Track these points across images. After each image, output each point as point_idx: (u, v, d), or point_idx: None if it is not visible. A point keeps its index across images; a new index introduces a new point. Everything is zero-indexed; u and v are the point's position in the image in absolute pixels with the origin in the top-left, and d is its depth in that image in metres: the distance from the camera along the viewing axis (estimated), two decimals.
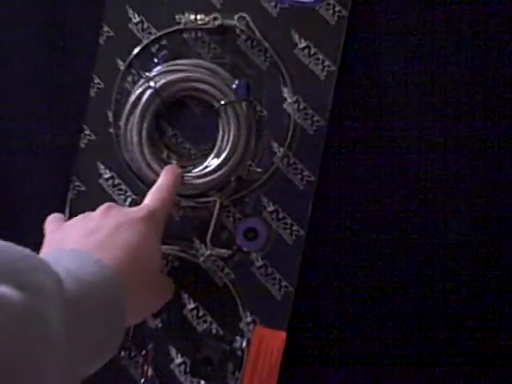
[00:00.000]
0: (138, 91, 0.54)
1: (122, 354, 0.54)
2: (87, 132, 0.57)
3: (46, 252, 0.43)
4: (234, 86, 0.53)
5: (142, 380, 0.53)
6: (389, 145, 0.54)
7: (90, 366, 0.37)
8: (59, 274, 0.34)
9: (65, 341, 0.32)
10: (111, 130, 0.56)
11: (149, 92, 0.53)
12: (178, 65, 0.54)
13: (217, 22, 0.55)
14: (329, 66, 0.54)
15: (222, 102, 0.53)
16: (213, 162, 0.53)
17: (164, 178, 0.49)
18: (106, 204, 0.46)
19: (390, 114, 0.54)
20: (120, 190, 0.56)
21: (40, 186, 0.58)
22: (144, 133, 0.54)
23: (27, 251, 0.33)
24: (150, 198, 0.48)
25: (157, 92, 0.53)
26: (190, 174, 0.54)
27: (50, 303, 0.32)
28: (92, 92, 0.57)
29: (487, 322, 0.53)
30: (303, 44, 0.55)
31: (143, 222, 0.44)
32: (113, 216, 0.44)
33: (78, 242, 0.42)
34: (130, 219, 0.44)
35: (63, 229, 0.45)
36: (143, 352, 0.54)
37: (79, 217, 0.46)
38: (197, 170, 0.54)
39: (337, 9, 0.54)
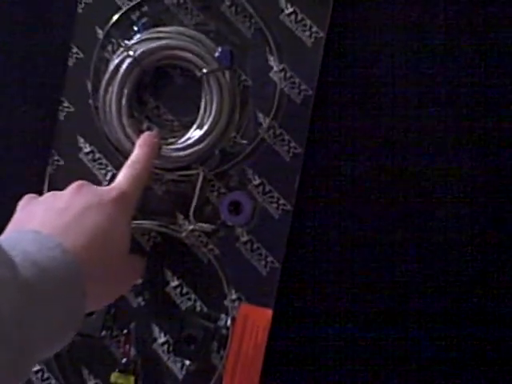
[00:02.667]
0: (117, 60, 0.52)
1: (104, 333, 0.52)
2: (66, 104, 0.55)
3: (7, 232, 0.41)
4: (216, 54, 0.51)
5: (124, 360, 0.51)
6: (378, 113, 0.52)
7: (47, 350, 0.36)
8: (14, 259, 0.33)
9: (17, 327, 0.31)
10: (90, 102, 0.54)
11: (128, 61, 0.51)
12: (158, 32, 0.52)
13: None
14: (317, 33, 0.52)
15: (204, 71, 0.50)
16: (195, 134, 0.51)
17: (139, 151, 0.47)
18: (77, 182, 0.44)
19: (379, 82, 0.52)
20: (100, 164, 0.54)
21: (18, 161, 0.56)
22: (123, 103, 0.51)
23: None
24: (123, 176, 0.45)
25: (136, 61, 0.51)
26: (171, 147, 0.51)
27: (0, 290, 0.31)
28: (70, 62, 0.55)
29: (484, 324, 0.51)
30: (290, 9, 0.52)
31: (113, 204, 0.42)
32: (83, 195, 0.42)
33: (44, 221, 0.40)
34: (100, 201, 0.42)
35: (31, 206, 0.43)
36: (125, 331, 0.52)
37: (49, 194, 0.44)
38: (179, 142, 0.52)
39: None
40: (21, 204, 0.44)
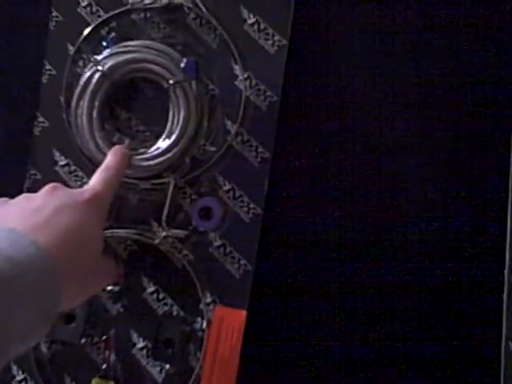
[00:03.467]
0: (87, 75, 0.53)
1: (84, 340, 0.54)
2: (41, 119, 0.56)
3: None
4: (182, 66, 0.53)
5: (104, 366, 0.53)
6: (343, 116, 0.53)
7: (21, 345, 0.36)
8: None
9: None
10: (64, 116, 0.55)
11: (97, 75, 0.53)
12: (125, 46, 0.54)
13: (164, 1, 0.54)
14: (279, 41, 0.54)
15: (171, 82, 0.52)
16: (164, 143, 0.53)
17: (110, 159, 0.49)
18: (51, 184, 0.45)
19: (342, 86, 0.54)
20: (76, 176, 0.56)
21: None
22: (94, 116, 0.53)
23: None
24: (96, 180, 0.47)
25: (105, 75, 0.53)
26: (142, 156, 0.53)
27: None
28: (44, 78, 0.56)
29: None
30: (252, 19, 0.54)
31: (86, 204, 0.44)
32: (56, 196, 0.44)
33: (17, 221, 0.41)
34: (73, 201, 0.43)
35: (4, 207, 0.44)
36: (104, 338, 0.53)
37: (22, 196, 0.45)
38: (149, 151, 0.53)
39: None
40: None
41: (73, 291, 0.42)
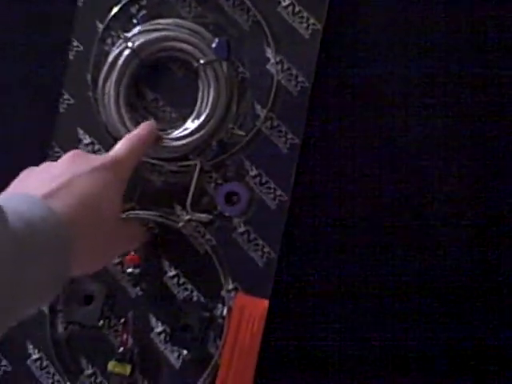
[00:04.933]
0: (116, 52, 0.52)
1: (102, 323, 0.53)
2: (66, 96, 0.55)
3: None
4: (213, 46, 0.51)
5: (121, 349, 0.52)
6: (375, 104, 0.52)
7: (29, 307, 0.36)
8: (5, 215, 0.34)
9: (5, 279, 0.32)
10: (90, 94, 0.54)
11: (126, 52, 0.52)
12: (156, 24, 0.52)
13: None
14: (314, 25, 0.52)
15: (201, 62, 0.51)
16: (192, 124, 0.52)
17: (138, 130, 0.48)
18: (73, 151, 0.45)
19: (376, 73, 0.52)
20: (100, 155, 0.55)
21: (19, 153, 0.57)
22: (122, 94, 0.52)
23: None
24: (119, 146, 0.46)
25: (134, 52, 0.51)
26: (169, 137, 0.52)
27: None
28: (71, 55, 0.55)
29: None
30: (287, 2, 0.53)
31: (105, 169, 0.43)
32: (75, 163, 0.43)
33: (36, 188, 0.41)
34: (92, 167, 0.43)
35: (27, 175, 0.44)
36: (122, 321, 0.52)
37: (45, 164, 0.45)
38: (176, 132, 0.52)
39: None
40: (20, 175, 0.45)
41: (89, 255, 0.41)
